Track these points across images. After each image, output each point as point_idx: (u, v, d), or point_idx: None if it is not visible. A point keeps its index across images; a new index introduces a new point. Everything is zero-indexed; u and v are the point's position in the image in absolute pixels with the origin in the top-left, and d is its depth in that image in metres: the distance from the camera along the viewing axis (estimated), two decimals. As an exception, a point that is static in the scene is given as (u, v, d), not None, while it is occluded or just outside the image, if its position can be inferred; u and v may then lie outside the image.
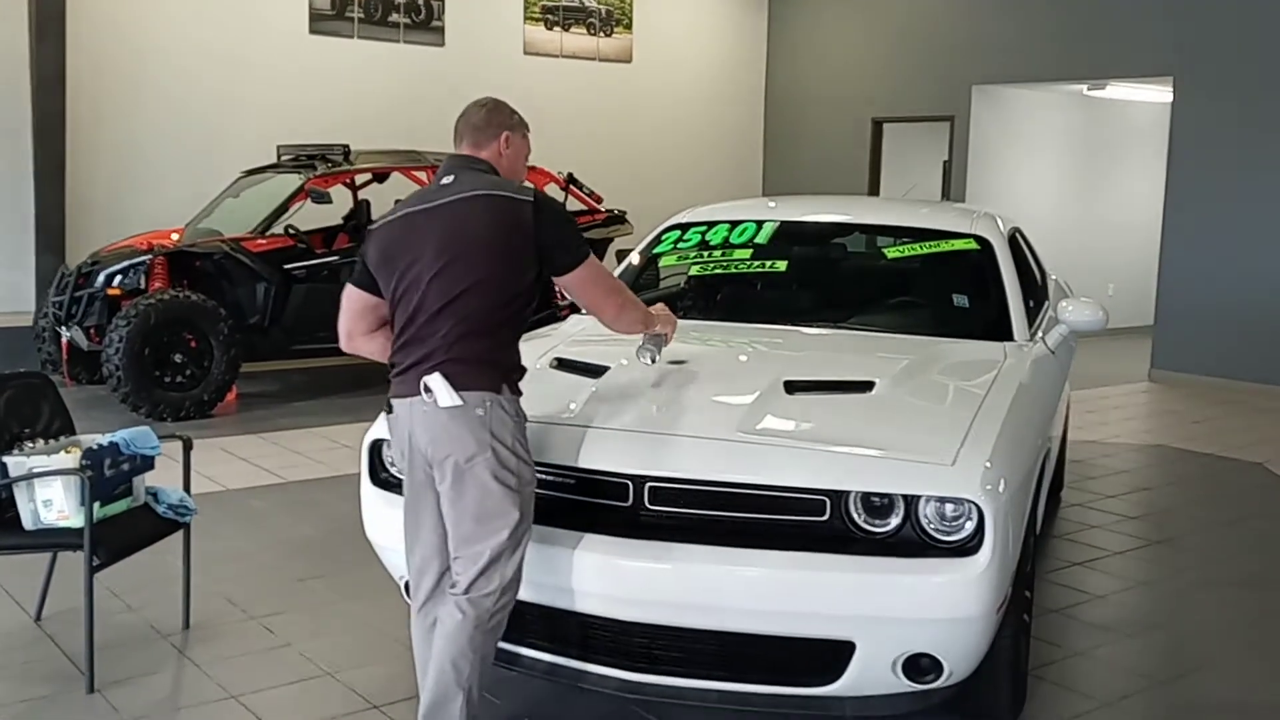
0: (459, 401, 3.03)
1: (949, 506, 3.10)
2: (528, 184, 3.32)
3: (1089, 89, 12.40)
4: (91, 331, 8.05)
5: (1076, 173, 13.44)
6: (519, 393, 3.18)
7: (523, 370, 3.23)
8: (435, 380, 3.04)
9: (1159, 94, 11.93)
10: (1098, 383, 9.92)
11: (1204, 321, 10.13)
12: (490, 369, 3.09)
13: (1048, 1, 11.43)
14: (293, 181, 8.81)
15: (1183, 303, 10.36)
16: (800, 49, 13.96)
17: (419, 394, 3.07)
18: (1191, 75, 10.27)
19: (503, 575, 3.10)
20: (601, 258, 10.24)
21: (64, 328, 8.09)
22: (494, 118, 3.31)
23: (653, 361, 3.57)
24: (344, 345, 3.42)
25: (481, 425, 3.04)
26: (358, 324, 3.35)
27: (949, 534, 3.10)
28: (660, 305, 3.66)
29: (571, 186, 10.10)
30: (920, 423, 3.48)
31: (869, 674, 3.13)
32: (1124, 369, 10.71)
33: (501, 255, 3.09)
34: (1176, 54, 10.36)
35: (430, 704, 3.14)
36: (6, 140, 9.74)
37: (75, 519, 3.75)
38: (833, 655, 3.13)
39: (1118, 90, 12.46)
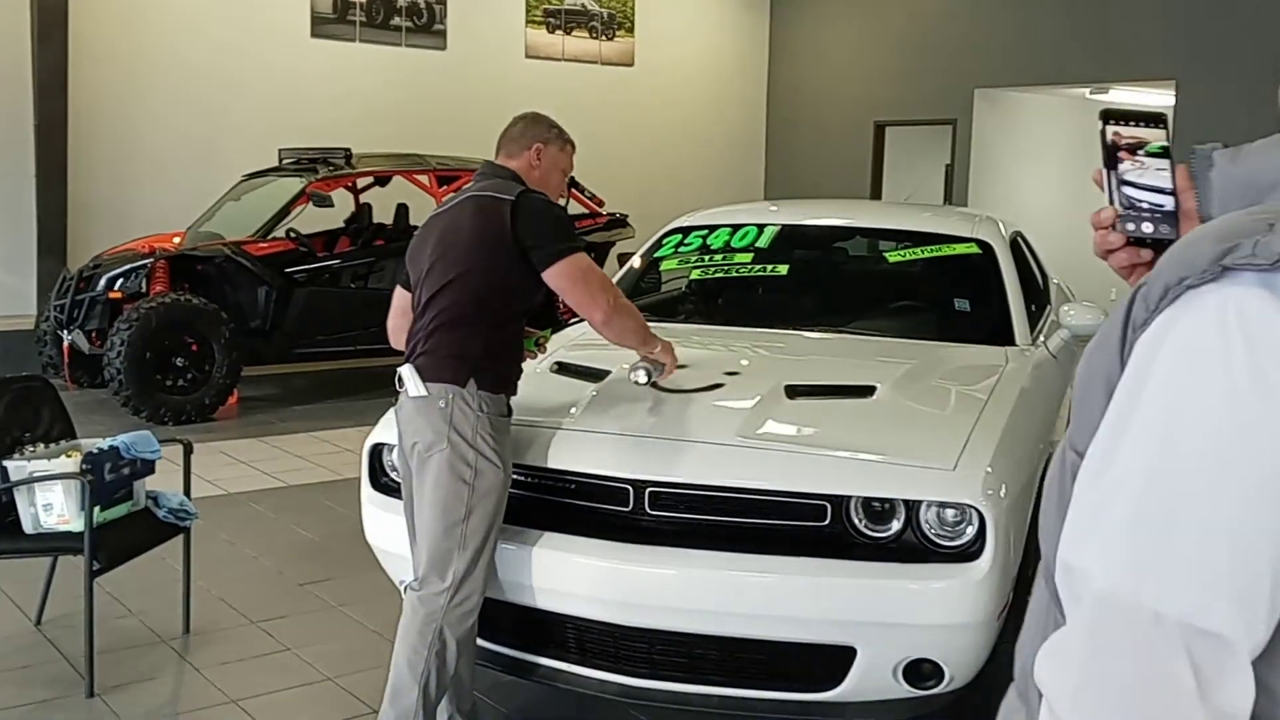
0: (424, 393, 3.15)
1: (950, 512, 3.10)
2: (540, 193, 3.36)
3: (1091, 92, 12.39)
4: (93, 335, 8.05)
5: (1079, 176, 13.40)
6: (501, 390, 3.20)
7: (507, 367, 3.25)
8: (406, 371, 3.20)
9: (1162, 98, 11.92)
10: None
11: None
12: (457, 362, 3.15)
13: (1051, 5, 11.43)
14: (294, 185, 8.80)
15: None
16: (802, 52, 13.96)
17: None
18: (1195, 79, 10.27)
19: (454, 573, 3.13)
20: (603, 262, 10.24)
21: (65, 331, 8.08)
22: (530, 130, 3.42)
23: (643, 383, 3.46)
24: (391, 341, 3.58)
25: (441, 417, 3.13)
26: (399, 320, 3.51)
27: (950, 539, 3.09)
28: (669, 342, 3.59)
29: (573, 190, 10.09)
30: (921, 428, 3.47)
31: (870, 679, 3.12)
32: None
33: (479, 251, 3.19)
34: (1180, 57, 10.35)
35: (387, 697, 3.20)
36: (8, 143, 9.75)
37: (76, 523, 3.75)
38: (834, 660, 3.12)
39: (1120, 94, 12.45)
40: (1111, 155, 1.25)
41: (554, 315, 9.13)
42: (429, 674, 3.15)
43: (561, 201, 3.57)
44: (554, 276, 3.22)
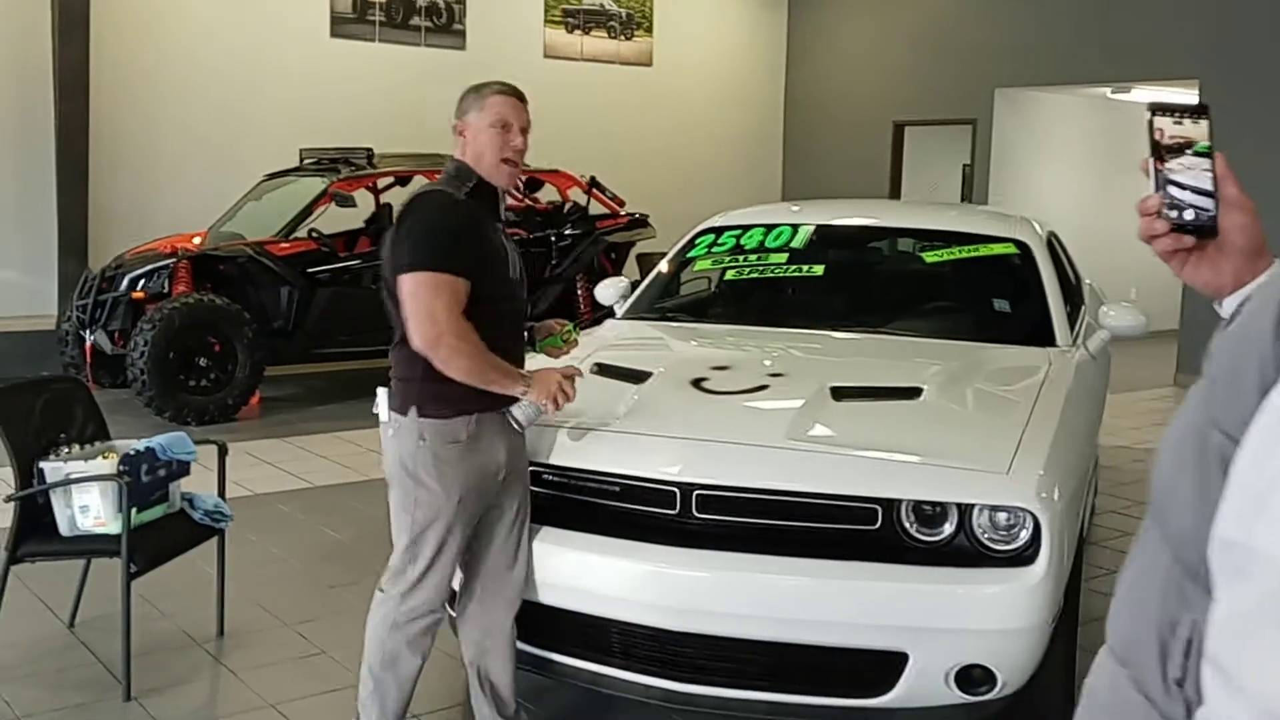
0: (385, 418, 3.13)
1: (1003, 515, 3.05)
2: (437, 192, 3.12)
3: (1113, 92, 12.33)
4: (115, 335, 8.03)
5: (1099, 176, 13.36)
6: (452, 414, 3.03)
7: (459, 388, 2.99)
8: (379, 394, 3.16)
9: (1185, 97, 11.84)
10: (1124, 387, 9.83)
11: (1231, 326, 10.01)
12: (402, 386, 3.10)
13: (1072, 4, 11.36)
14: (316, 185, 8.79)
15: (1209, 307, 10.19)
16: (820, 51, 13.91)
17: None
18: (1218, 77, 10.19)
19: (406, 581, 3.12)
20: (623, 262, 10.21)
21: (87, 331, 8.07)
22: (456, 111, 3.17)
23: (519, 428, 3.15)
24: None
25: (392, 443, 3.11)
26: None
27: (1003, 543, 3.05)
28: (550, 371, 3.15)
29: (595, 190, 10.06)
30: (972, 430, 3.43)
31: (921, 686, 3.08)
32: (1149, 373, 10.62)
33: (388, 262, 3.09)
34: (1203, 56, 10.28)
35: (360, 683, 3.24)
36: (29, 144, 9.75)
37: (113, 525, 3.72)
38: (885, 666, 3.08)
39: (1142, 93, 12.38)
40: (1158, 150, 1.31)
41: (573, 312, 9.13)
42: (383, 672, 3.16)
43: (510, 158, 3.12)
44: (399, 288, 2.99)
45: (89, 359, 8.07)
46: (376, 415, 3.18)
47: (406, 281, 2.95)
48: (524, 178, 9.73)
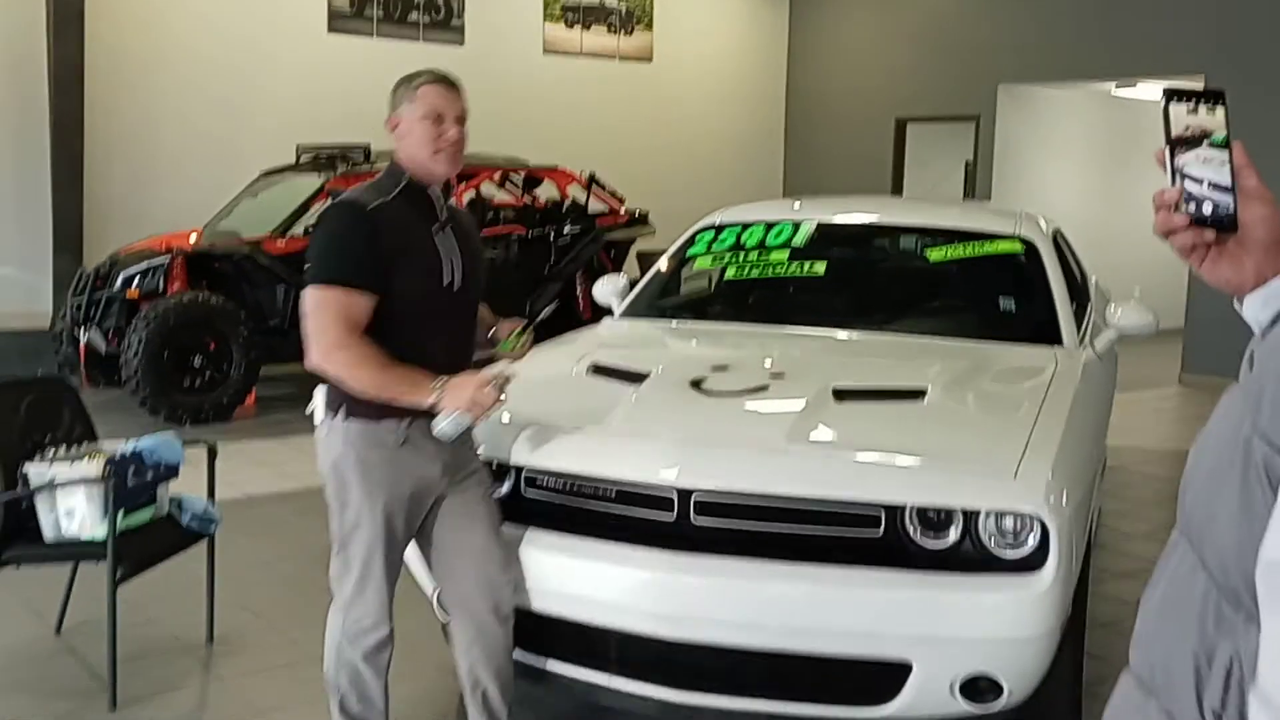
0: (318, 418, 3.04)
1: (1010, 521, 2.97)
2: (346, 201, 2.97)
3: (1117, 87, 12.23)
4: (110, 334, 7.95)
5: (1103, 173, 13.27)
6: (382, 417, 2.90)
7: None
8: (316, 394, 3.08)
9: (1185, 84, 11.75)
10: (1128, 386, 9.73)
11: (1237, 324, 9.93)
12: (333, 387, 2.97)
13: (1075, -1, 11.28)
14: (312, 182, 8.70)
15: (1215, 305, 10.16)
16: (822, 47, 13.82)
17: None
18: (1223, 73, 10.09)
19: (344, 596, 3.04)
20: (623, 259, 10.13)
21: (81, 330, 7.99)
22: (390, 105, 3.02)
23: (446, 439, 2.94)
24: None
25: (323, 444, 3.02)
26: None
27: (1011, 550, 2.96)
28: (466, 379, 2.91)
29: (594, 186, 9.97)
30: (977, 432, 3.34)
31: (926, 695, 2.99)
32: (1153, 372, 10.53)
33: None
34: (1206, 51, 10.19)
35: None
36: (23, 140, 9.67)
37: (98, 530, 3.63)
38: (888, 676, 2.99)
39: (1146, 89, 12.29)
40: (1173, 140, 1.25)
41: (575, 314, 9.04)
42: (343, 691, 3.08)
43: (443, 149, 2.95)
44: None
45: (83, 358, 7.99)
46: (310, 416, 3.10)
47: (306, 293, 2.89)
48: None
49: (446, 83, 2.99)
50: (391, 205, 2.94)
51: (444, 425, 2.88)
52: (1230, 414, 1.03)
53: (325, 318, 2.84)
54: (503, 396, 2.92)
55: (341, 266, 2.87)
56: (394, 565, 3.07)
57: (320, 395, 3.05)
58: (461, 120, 2.98)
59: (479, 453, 3.28)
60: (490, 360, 3.29)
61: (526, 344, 3.33)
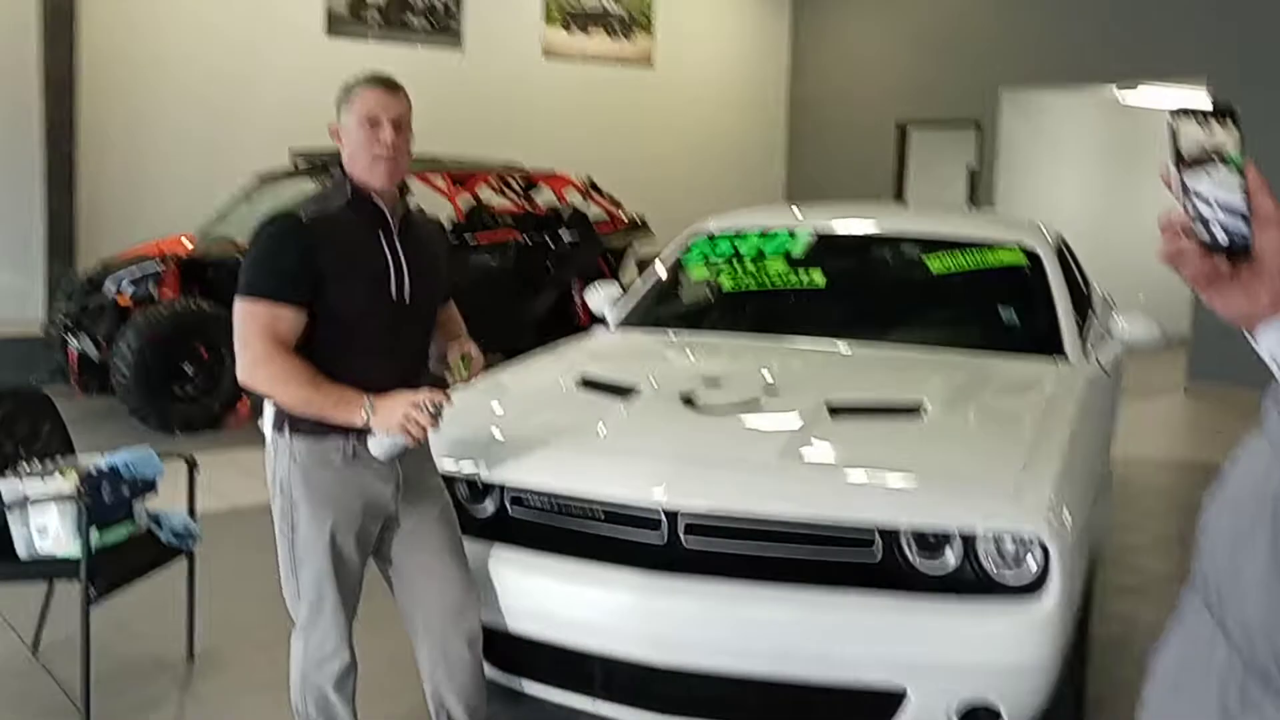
0: (268, 434, 2.93)
1: (1010, 543, 2.86)
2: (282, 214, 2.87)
3: (1119, 88, 12.11)
4: (101, 341, 7.85)
5: (1107, 178, 13.16)
6: (328, 432, 2.79)
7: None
8: (266, 409, 2.97)
9: (1196, 97, 11.65)
10: (1132, 395, 9.62)
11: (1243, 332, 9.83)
12: (277, 404, 2.87)
13: (1077, 3, 11.18)
14: (308, 188, 8.59)
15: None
16: (824, 52, 13.72)
17: None
18: (1225, 76, 9.99)
19: (301, 616, 2.94)
20: (620, 265, 10.02)
21: (72, 336, 7.90)
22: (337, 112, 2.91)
23: (381, 459, 2.83)
24: None
25: (270, 460, 2.91)
26: None
27: (1011, 572, 2.86)
28: (398, 398, 2.76)
29: (593, 192, 9.88)
30: (976, 451, 3.23)
31: (922, 724, 2.89)
32: (1158, 380, 10.41)
33: None
34: (1208, 55, 10.08)
35: None
36: (15, 144, 9.58)
37: (72, 547, 3.53)
38: (882, 704, 2.88)
39: (1149, 93, 12.18)
40: (1181, 160, 1.15)
41: (573, 323, 8.94)
42: (312, 718, 2.98)
43: (381, 155, 2.81)
44: None
45: (75, 365, 7.90)
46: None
47: (235, 307, 2.80)
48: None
49: (384, 85, 2.86)
50: (334, 215, 2.83)
51: (376, 447, 2.78)
52: (1253, 468, 0.92)
53: (249, 332, 2.74)
54: (441, 415, 2.76)
55: (268, 280, 2.75)
56: (349, 590, 2.96)
57: (269, 410, 2.94)
58: (400, 124, 2.84)
59: (458, 469, 3.17)
60: (443, 378, 3.14)
61: (476, 369, 3.14)
